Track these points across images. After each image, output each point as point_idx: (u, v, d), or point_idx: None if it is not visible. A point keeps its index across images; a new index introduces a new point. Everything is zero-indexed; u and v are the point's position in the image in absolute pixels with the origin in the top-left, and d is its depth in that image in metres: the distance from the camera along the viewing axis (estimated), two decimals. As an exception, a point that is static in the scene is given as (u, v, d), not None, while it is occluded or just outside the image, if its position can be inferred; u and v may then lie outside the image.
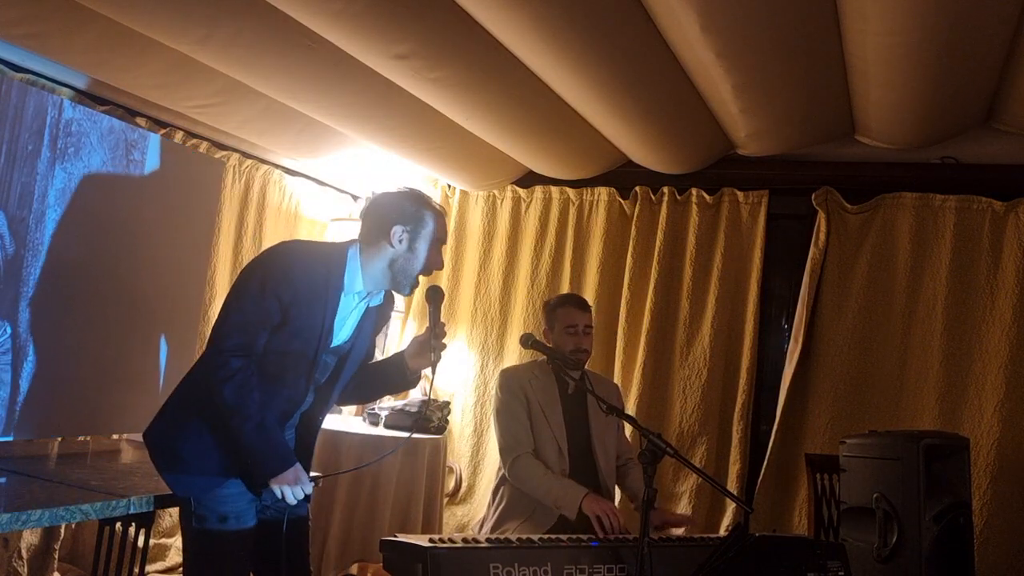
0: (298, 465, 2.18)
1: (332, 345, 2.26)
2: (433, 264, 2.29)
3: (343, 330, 2.28)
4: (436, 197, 4.74)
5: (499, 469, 3.07)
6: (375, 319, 2.38)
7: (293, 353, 2.19)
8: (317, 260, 2.22)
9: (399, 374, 2.41)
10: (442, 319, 2.37)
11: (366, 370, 2.44)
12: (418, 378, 2.44)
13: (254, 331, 2.12)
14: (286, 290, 2.14)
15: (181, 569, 3.83)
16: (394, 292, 2.37)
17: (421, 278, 2.31)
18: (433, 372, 2.38)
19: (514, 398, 3.02)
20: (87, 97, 3.47)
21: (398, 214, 2.24)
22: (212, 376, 2.12)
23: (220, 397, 2.10)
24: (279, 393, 2.21)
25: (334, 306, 2.21)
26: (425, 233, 2.25)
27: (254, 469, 2.15)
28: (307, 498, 2.25)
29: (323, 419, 2.40)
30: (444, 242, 2.32)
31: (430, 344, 2.32)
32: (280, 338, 2.16)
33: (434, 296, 2.40)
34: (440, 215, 2.31)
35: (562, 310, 3.11)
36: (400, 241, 2.23)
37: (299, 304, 2.15)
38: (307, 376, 2.24)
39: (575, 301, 3.17)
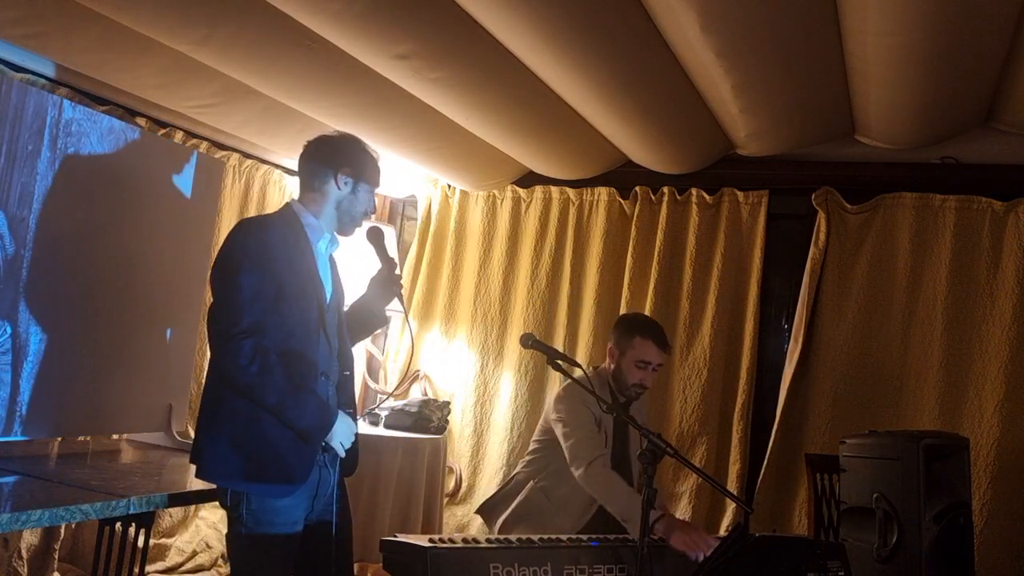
0: (339, 415, 2.24)
1: (327, 301, 2.30)
2: (370, 208, 2.40)
3: (327, 282, 2.33)
4: (436, 197, 4.75)
5: (522, 468, 3.06)
6: (335, 266, 2.45)
7: (303, 326, 2.20)
8: (277, 222, 2.30)
9: (370, 316, 2.52)
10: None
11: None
12: (387, 316, 2.56)
13: (257, 306, 2.12)
14: (268, 255, 2.17)
15: (181, 569, 3.87)
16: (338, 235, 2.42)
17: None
18: (402, 303, 2.52)
19: (585, 406, 2.93)
20: (87, 97, 3.47)
21: (342, 158, 2.34)
22: (230, 365, 2.10)
23: (243, 382, 2.09)
24: (312, 368, 2.23)
25: (312, 258, 2.28)
26: (365, 177, 2.37)
27: (306, 439, 2.17)
28: (343, 501, 2.34)
29: (352, 362, 2.43)
30: (378, 186, 2.43)
31: (388, 280, 2.44)
32: (283, 315, 2.16)
33: (375, 235, 2.50)
34: (376, 159, 2.42)
35: (641, 340, 3.00)
36: (345, 184, 2.33)
37: (284, 264, 2.19)
38: (326, 337, 2.27)
39: (658, 337, 3.03)
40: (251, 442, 2.14)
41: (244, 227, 2.25)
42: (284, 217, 2.31)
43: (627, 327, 3.06)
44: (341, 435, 2.25)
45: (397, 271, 2.45)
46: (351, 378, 2.40)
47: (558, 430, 2.96)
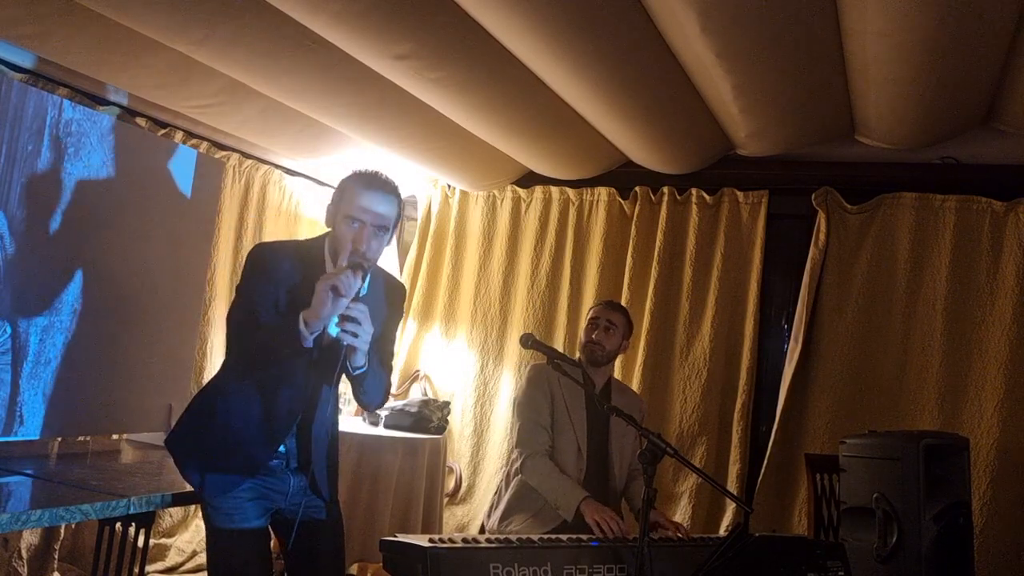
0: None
1: (328, 333, 2.18)
2: (344, 238, 2.14)
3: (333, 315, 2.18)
4: (436, 197, 4.75)
5: (512, 461, 3.07)
6: (370, 309, 2.16)
7: (287, 344, 2.09)
8: (290, 247, 2.28)
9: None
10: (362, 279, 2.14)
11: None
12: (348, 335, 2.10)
13: (243, 330, 2.18)
14: (261, 280, 2.16)
15: (181, 569, 3.87)
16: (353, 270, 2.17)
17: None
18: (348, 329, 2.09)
19: (541, 392, 3.04)
20: (87, 97, 3.47)
21: (332, 195, 2.25)
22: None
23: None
24: (278, 392, 2.19)
25: (314, 279, 2.13)
26: (341, 208, 2.18)
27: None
28: (334, 501, 2.33)
29: (329, 427, 2.32)
30: (364, 210, 2.13)
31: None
32: (272, 328, 2.13)
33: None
34: (359, 185, 2.17)
35: (593, 309, 3.25)
36: (334, 215, 2.21)
37: (279, 288, 2.16)
38: (304, 370, 2.19)
39: (605, 301, 3.36)
40: (202, 436, 2.25)
41: (253, 250, 2.28)
42: (306, 244, 2.28)
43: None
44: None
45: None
46: (325, 436, 2.30)
47: (513, 406, 3.13)
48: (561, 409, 3.02)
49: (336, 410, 2.41)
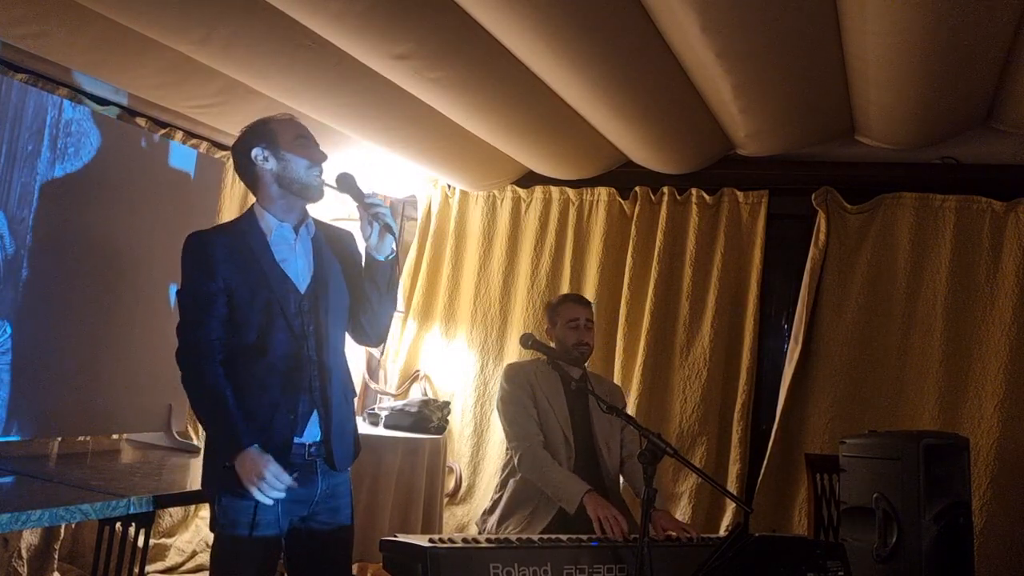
0: (254, 452, 2.05)
1: (300, 290, 2.20)
2: (313, 157, 2.25)
3: (301, 270, 2.23)
4: (436, 197, 4.75)
5: (507, 461, 3.07)
6: (333, 248, 2.32)
7: (262, 316, 2.15)
8: (225, 225, 2.31)
9: (373, 267, 2.28)
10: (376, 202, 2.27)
11: (360, 295, 2.32)
12: (389, 256, 2.26)
13: (198, 312, 2.18)
14: (209, 260, 2.18)
15: (181, 569, 3.87)
16: (309, 202, 2.29)
17: (324, 178, 2.27)
18: (393, 237, 2.26)
19: (521, 389, 3.06)
20: (87, 97, 3.47)
21: (246, 143, 2.24)
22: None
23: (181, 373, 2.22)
24: (273, 360, 2.16)
25: (263, 253, 2.19)
26: (281, 139, 2.22)
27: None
28: (349, 507, 2.28)
29: (338, 354, 2.29)
30: (304, 135, 2.26)
31: (368, 218, 2.24)
32: (239, 310, 2.15)
33: (343, 182, 2.30)
34: (282, 120, 2.27)
35: (563, 306, 3.18)
36: (266, 159, 2.21)
37: (228, 264, 2.17)
38: (289, 328, 2.17)
39: (575, 297, 3.27)
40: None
41: (184, 244, 2.27)
42: (232, 223, 2.30)
43: (550, 306, 3.26)
44: (252, 485, 2.04)
45: (372, 200, 2.26)
46: (334, 370, 2.25)
47: (498, 407, 3.12)
48: (543, 401, 3.04)
49: (343, 351, 2.32)
